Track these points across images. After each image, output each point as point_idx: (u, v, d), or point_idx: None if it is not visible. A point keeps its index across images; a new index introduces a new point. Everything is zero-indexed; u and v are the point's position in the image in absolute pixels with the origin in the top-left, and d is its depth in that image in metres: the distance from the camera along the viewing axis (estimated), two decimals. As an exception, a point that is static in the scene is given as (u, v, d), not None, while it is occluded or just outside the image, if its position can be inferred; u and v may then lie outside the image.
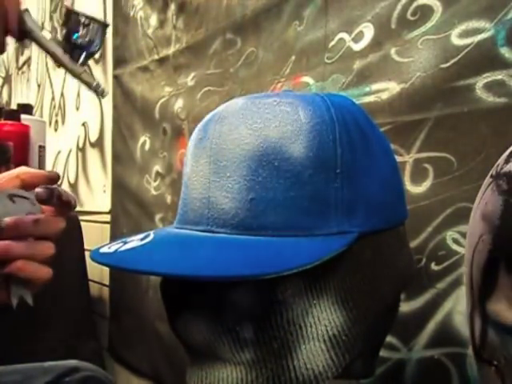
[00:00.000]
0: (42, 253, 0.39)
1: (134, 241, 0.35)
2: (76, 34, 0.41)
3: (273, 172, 0.34)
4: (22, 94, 2.07)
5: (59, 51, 0.42)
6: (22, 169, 0.41)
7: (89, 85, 0.43)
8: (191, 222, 0.37)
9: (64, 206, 0.40)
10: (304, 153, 0.34)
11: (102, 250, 0.35)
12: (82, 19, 0.41)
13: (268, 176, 0.34)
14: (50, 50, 0.42)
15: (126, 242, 0.35)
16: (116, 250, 0.34)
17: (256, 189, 0.34)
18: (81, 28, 0.40)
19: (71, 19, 0.40)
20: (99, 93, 0.44)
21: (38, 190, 0.38)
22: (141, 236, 0.36)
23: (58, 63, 0.43)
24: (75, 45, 0.41)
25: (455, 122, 0.54)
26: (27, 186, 0.40)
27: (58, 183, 0.41)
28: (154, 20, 1.15)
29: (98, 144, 1.44)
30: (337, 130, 0.35)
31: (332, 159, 0.34)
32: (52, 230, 0.39)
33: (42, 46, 0.41)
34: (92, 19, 0.42)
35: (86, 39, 0.41)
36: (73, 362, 0.62)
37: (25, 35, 0.40)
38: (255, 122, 0.35)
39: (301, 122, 0.34)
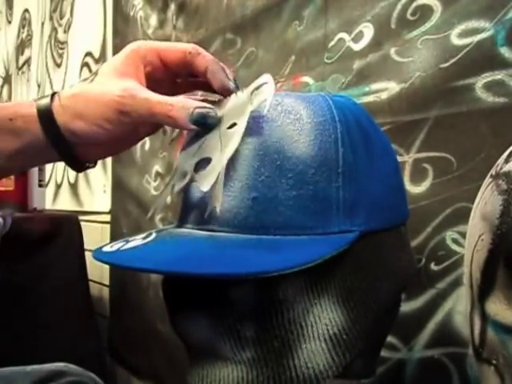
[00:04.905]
0: None
1: (136, 240, 0.35)
2: None
3: (275, 171, 0.34)
4: (21, 94, 2.07)
5: None
6: None
7: None
8: (192, 221, 0.37)
9: None
10: (306, 152, 0.34)
11: (104, 249, 0.35)
12: None
13: (270, 175, 0.34)
14: None
15: (128, 241, 0.35)
16: (118, 249, 0.34)
17: (258, 188, 0.34)
18: None
19: None
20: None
21: None
22: (143, 235, 0.36)
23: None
24: None
25: (455, 122, 0.54)
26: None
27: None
28: (153, 20, 1.15)
29: (98, 144, 1.43)
30: (339, 129, 0.35)
31: (334, 159, 0.34)
32: None
33: None
34: None
35: None
36: (59, 366, 0.59)
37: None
38: (257, 121, 0.35)
39: (303, 121, 0.34)
